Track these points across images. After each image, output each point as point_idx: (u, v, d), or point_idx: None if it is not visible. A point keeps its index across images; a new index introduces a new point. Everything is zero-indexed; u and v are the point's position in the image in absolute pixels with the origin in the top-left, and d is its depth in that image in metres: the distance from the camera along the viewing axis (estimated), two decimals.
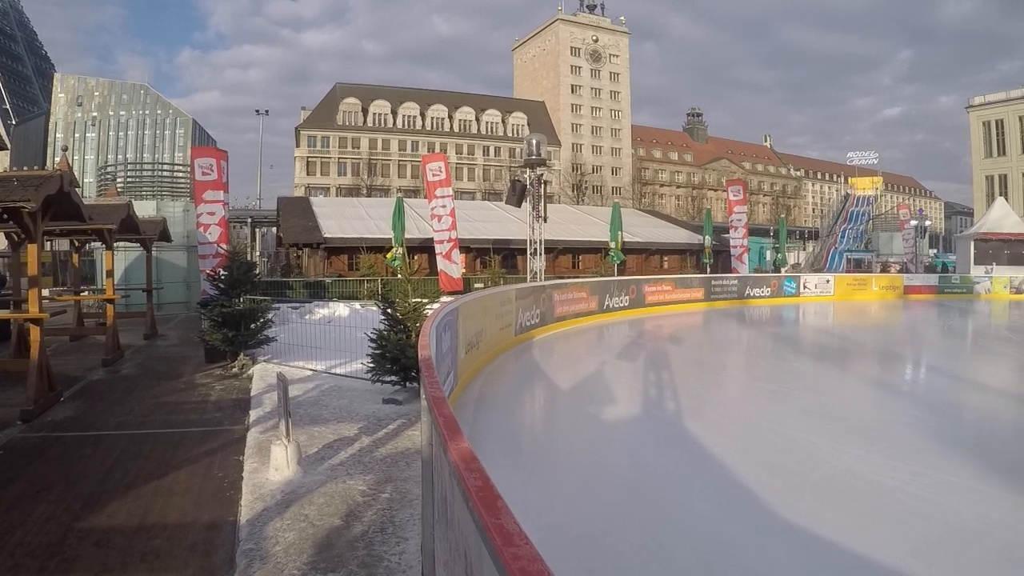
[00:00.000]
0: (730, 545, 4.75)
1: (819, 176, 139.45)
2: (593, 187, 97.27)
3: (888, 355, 15.60)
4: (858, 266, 44.48)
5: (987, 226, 39.34)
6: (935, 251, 62.89)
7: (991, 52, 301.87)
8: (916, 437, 7.61)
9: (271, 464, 6.35)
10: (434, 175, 25.31)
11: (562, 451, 7.33)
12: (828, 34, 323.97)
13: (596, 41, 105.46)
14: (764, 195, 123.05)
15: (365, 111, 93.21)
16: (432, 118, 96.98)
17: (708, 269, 37.27)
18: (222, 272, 13.36)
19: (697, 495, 5.71)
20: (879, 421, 8.44)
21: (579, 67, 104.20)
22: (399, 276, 13.25)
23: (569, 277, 29.59)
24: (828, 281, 29.88)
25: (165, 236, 20.30)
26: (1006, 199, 50.70)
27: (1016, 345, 17.50)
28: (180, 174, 36.75)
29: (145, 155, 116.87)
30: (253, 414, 8.79)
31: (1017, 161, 75.36)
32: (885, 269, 40.64)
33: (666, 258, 42.85)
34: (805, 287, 28.64)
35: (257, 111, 62.17)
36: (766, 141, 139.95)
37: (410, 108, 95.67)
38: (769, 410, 9.08)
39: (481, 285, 25.14)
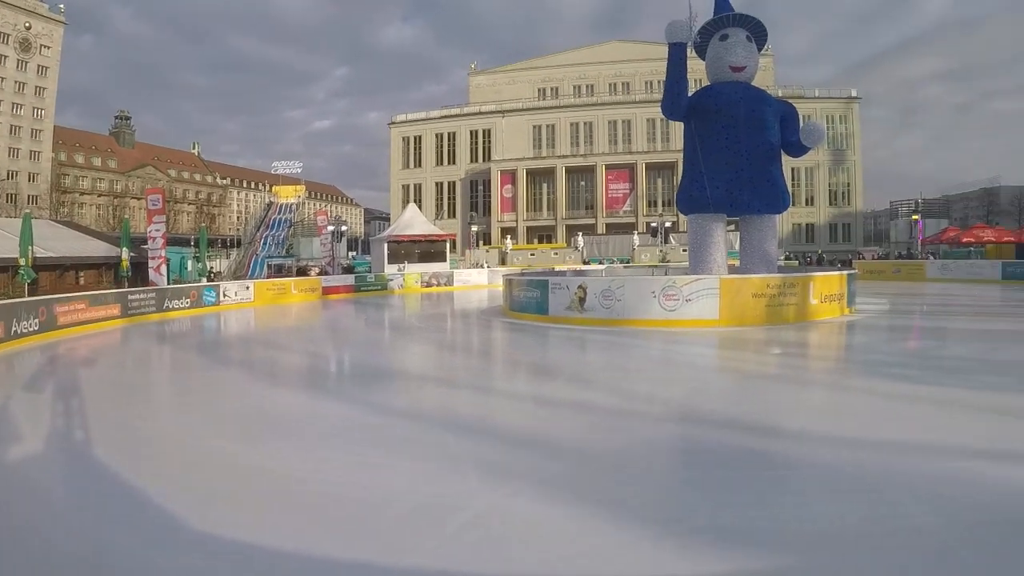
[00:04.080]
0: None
1: (246, 184, 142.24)
2: (8, 196, 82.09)
3: (305, 353, 16.55)
4: (279, 271, 46.23)
5: (399, 229, 44.67)
6: (354, 253, 68.67)
7: (422, 75, 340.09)
8: (322, 427, 8.15)
9: None
10: None
11: None
12: (270, 45, 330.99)
13: (29, 28, 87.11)
14: (189, 203, 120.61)
15: None
16: None
17: (127, 283, 34.82)
18: None
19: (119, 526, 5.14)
20: (291, 417, 8.86)
21: (5, 56, 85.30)
22: None
23: None
24: (248, 288, 30.20)
25: None
26: (419, 205, 58.25)
27: (424, 331, 20.38)
28: None
29: None
30: None
31: (431, 172, 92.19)
32: (303, 272, 42.66)
33: (82, 273, 38.54)
34: (225, 295, 28.51)
35: None
36: (194, 148, 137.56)
37: None
38: (187, 421, 8.73)
39: None
